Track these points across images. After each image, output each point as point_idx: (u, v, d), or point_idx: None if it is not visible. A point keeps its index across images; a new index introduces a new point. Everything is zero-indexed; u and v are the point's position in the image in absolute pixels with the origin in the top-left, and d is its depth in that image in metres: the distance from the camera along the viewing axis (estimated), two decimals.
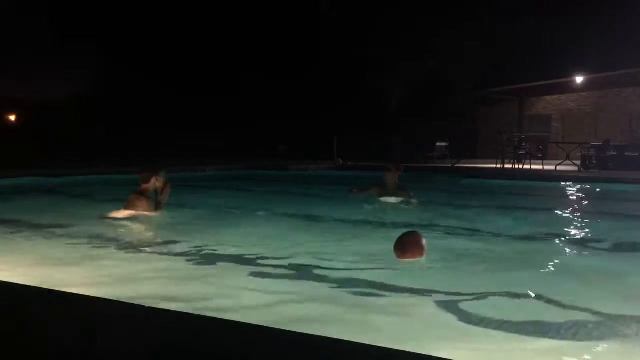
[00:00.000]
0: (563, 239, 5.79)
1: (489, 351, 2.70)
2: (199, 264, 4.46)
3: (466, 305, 3.25)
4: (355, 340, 2.17)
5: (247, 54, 25.44)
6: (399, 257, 4.22)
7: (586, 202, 10.14)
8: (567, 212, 8.13)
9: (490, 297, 3.46)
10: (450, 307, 3.23)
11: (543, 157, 17.32)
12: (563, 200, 10.27)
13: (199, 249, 4.92)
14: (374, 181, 8.61)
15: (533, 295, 3.49)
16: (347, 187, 9.15)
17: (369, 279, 3.84)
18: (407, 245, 4.24)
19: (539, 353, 2.68)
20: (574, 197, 10.82)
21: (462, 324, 2.99)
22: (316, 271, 4.17)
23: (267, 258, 4.57)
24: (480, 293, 3.49)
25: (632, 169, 14.13)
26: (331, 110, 23.66)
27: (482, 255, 4.79)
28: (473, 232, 5.82)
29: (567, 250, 5.32)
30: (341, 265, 4.27)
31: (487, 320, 3.00)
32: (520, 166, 16.16)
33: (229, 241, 5.30)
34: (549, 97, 25.02)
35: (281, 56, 25.42)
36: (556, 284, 3.91)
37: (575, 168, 15.81)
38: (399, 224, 6.14)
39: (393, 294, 3.57)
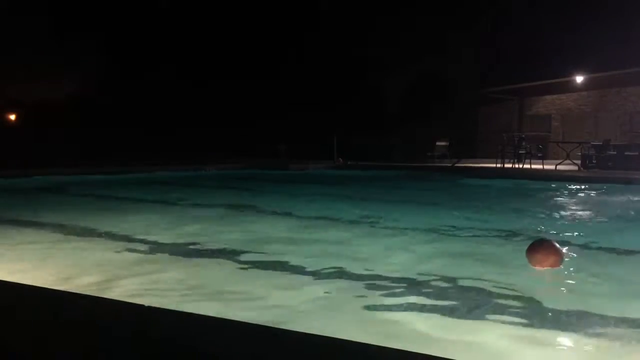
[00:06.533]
0: (565, 238, 5.79)
1: None
2: (214, 263, 4.46)
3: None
4: (355, 340, 2.17)
5: (246, 54, 25.42)
6: (535, 265, 4.17)
7: (586, 202, 10.13)
8: (567, 211, 8.13)
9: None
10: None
11: (543, 157, 17.31)
12: (563, 199, 10.27)
13: (213, 249, 4.92)
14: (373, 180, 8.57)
15: None
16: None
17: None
18: (544, 253, 4.18)
19: None
20: (574, 197, 10.82)
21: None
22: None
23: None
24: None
25: (632, 169, 14.11)
26: (331, 109, 23.63)
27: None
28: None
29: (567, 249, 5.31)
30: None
31: None
32: (521, 165, 16.17)
33: (233, 241, 5.31)
34: (548, 97, 24.98)
35: (281, 56, 25.40)
36: None
37: (575, 167, 15.81)
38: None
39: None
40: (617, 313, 3.25)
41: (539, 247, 4.25)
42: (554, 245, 4.27)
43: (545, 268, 4.13)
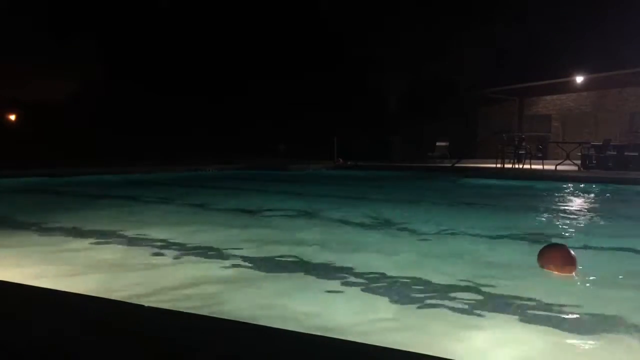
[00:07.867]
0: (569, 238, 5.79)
1: None
2: (220, 264, 4.45)
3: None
4: (355, 340, 2.17)
5: (247, 54, 25.43)
6: (550, 269, 4.14)
7: (586, 202, 10.13)
8: (567, 211, 8.13)
9: None
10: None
11: (543, 157, 17.31)
12: (562, 199, 10.26)
13: (212, 248, 4.92)
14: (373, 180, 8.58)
15: None
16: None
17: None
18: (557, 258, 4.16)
19: None
20: (574, 197, 10.82)
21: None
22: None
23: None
24: None
25: (632, 169, 14.10)
26: (332, 110, 23.65)
27: None
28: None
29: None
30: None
31: None
32: (520, 166, 16.17)
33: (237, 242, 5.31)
34: (548, 97, 25.01)
35: (281, 56, 25.40)
36: None
37: (575, 168, 15.81)
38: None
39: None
40: (624, 314, 3.26)
41: (556, 252, 4.21)
42: (570, 253, 4.20)
43: (556, 273, 4.10)
